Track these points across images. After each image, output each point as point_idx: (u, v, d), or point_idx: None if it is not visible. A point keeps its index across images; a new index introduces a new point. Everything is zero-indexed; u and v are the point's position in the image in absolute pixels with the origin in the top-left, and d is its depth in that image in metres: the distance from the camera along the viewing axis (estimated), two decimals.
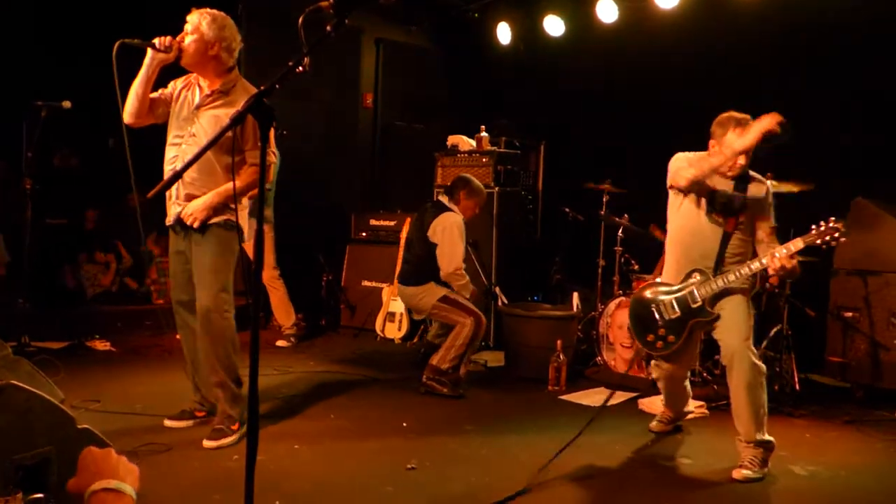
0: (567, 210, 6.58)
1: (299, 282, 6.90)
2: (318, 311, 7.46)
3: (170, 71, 3.95)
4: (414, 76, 8.70)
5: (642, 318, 3.99)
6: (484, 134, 7.03)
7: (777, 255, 3.56)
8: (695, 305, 3.81)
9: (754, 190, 3.83)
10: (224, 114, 3.83)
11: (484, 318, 5.18)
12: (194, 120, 3.90)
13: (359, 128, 8.42)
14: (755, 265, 3.67)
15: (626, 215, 5.97)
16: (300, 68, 2.29)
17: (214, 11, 3.89)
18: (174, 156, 3.93)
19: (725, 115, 3.82)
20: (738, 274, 3.71)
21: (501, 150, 7.00)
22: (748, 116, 3.76)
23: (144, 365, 5.64)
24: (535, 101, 7.84)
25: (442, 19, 8.57)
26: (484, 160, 6.85)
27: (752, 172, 3.87)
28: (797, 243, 3.57)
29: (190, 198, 3.89)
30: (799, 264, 4.81)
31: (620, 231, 5.97)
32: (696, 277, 3.83)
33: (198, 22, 3.83)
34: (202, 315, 3.88)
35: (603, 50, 7.24)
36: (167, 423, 4.13)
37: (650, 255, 6.09)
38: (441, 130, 7.61)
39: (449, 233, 5.19)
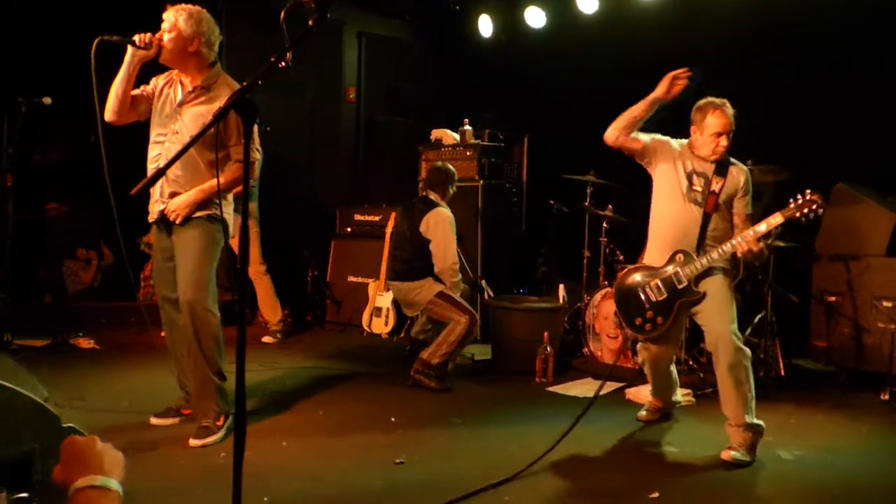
0: (552, 202, 6.59)
1: (285, 277, 6.88)
2: (304, 306, 7.44)
3: (152, 67, 3.92)
4: (396, 70, 8.68)
5: (629, 301, 4.01)
6: (467, 127, 7.02)
7: (741, 240, 3.68)
8: (680, 286, 3.85)
9: (734, 174, 3.92)
10: (206, 110, 3.80)
11: (478, 317, 5.19)
12: (177, 117, 3.88)
13: (342, 122, 8.39)
14: (727, 248, 3.76)
15: (609, 206, 5.99)
16: (282, 64, 2.27)
17: (191, 7, 3.85)
18: (157, 154, 3.91)
19: (703, 100, 3.96)
20: (720, 252, 3.77)
21: (485, 143, 7.00)
22: (725, 101, 3.90)
23: (129, 362, 5.60)
24: (518, 93, 7.84)
25: (423, 12, 8.55)
26: (468, 153, 6.85)
27: (732, 159, 3.96)
28: (776, 217, 3.64)
29: (174, 195, 3.87)
30: (781, 249, 4.89)
31: (605, 222, 5.99)
32: (680, 258, 3.87)
33: (174, 19, 3.79)
34: (185, 309, 3.85)
35: (584, 41, 7.26)
36: (153, 420, 4.11)
37: (635, 246, 6.12)
38: (424, 124, 7.61)
39: (442, 228, 5.19)
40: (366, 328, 6.84)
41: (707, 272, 3.83)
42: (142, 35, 3.72)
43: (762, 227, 3.66)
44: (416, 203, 5.47)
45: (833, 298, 5.25)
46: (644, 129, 4.08)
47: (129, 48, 3.73)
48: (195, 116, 3.83)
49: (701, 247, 3.87)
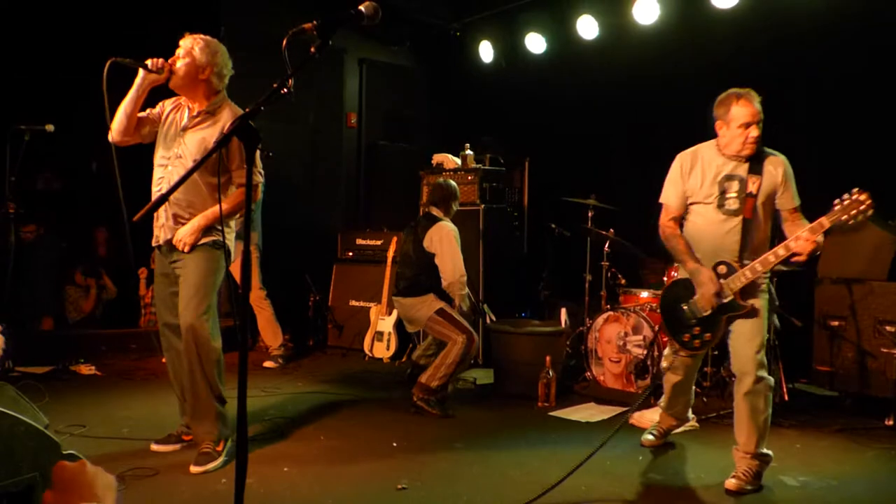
0: (553, 225, 6.60)
1: (286, 302, 6.88)
2: (306, 331, 7.43)
3: (159, 92, 3.96)
4: (397, 95, 8.74)
5: (674, 317, 3.85)
6: (468, 152, 7.06)
7: (802, 238, 3.40)
8: (726, 300, 3.65)
9: (770, 168, 3.68)
10: (210, 134, 3.85)
11: (476, 337, 5.17)
12: (180, 141, 3.91)
13: (343, 148, 8.43)
14: (781, 251, 3.47)
15: (611, 229, 5.99)
16: (284, 90, 2.29)
17: (207, 37, 3.94)
18: (161, 177, 3.94)
19: (724, 93, 3.73)
20: (764, 262, 3.53)
21: (486, 167, 7.02)
22: (749, 89, 3.68)
23: (130, 389, 5.58)
24: (519, 117, 7.88)
25: (424, 38, 8.62)
26: (469, 178, 6.87)
27: (768, 150, 3.72)
28: (822, 223, 3.38)
29: (177, 218, 3.89)
30: (783, 274, 4.82)
31: (607, 245, 5.99)
32: (723, 269, 3.67)
33: (190, 46, 3.86)
34: (187, 334, 3.85)
35: (584, 66, 7.31)
36: (154, 447, 4.09)
37: (637, 269, 6.13)
38: (426, 149, 7.64)
39: (447, 241, 5.20)
40: (367, 353, 6.82)
41: (752, 287, 3.64)
42: (154, 59, 3.77)
43: (807, 233, 3.39)
44: (419, 220, 5.48)
45: (836, 323, 5.23)
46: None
47: (141, 71, 3.78)
48: (199, 141, 3.87)
49: (743, 257, 3.67)
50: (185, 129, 3.92)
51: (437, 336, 5.23)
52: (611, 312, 5.64)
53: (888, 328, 4.94)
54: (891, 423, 4.72)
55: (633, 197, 5.98)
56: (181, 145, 3.90)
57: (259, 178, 4.12)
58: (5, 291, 5.63)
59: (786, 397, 5.15)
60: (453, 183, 5.61)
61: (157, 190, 3.94)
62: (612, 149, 7.05)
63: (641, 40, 6.71)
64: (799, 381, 5.51)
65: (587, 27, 7.08)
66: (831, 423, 4.82)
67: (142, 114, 3.94)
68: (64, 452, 1.63)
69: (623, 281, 6.05)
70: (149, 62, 3.75)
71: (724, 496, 3.61)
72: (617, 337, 5.53)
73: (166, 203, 3.86)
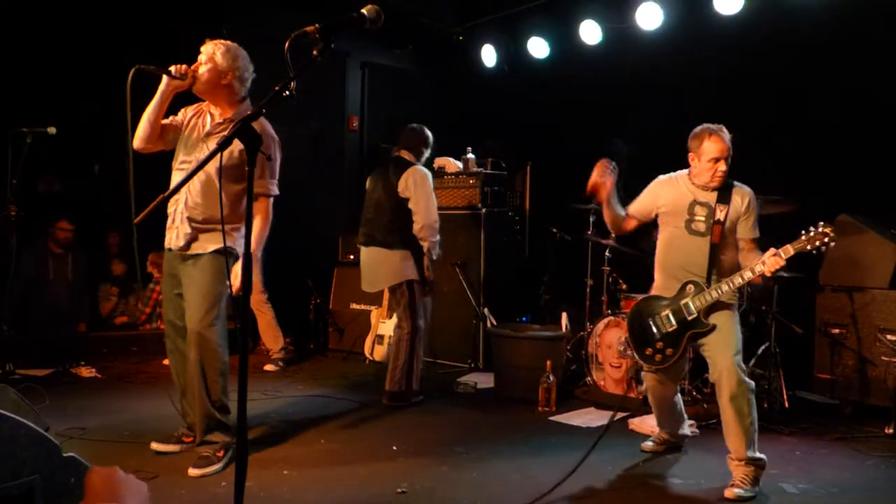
0: (554, 230, 6.60)
1: (287, 305, 6.88)
2: (307, 334, 7.43)
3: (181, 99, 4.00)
4: (399, 99, 8.74)
5: (640, 332, 4.01)
6: (470, 155, 7.06)
7: (767, 261, 3.58)
8: (690, 318, 3.83)
9: (737, 199, 3.90)
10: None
11: (421, 327, 5.25)
12: (202, 146, 3.94)
13: (345, 151, 8.44)
14: (747, 274, 3.69)
15: (612, 235, 5.98)
16: (286, 93, 2.30)
17: (228, 42, 3.97)
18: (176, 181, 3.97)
19: (699, 127, 3.95)
20: (731, 284, 3.74)
21: (488, 171, 7.02)
22: (721, 126, 3.89)
23: (131, 392, 5.58)
24: (521, 122, 7.88)
25: (427, 42, 8.63)
26: (471, 182, 6.88)
27: (735, 182, 3.94)
28: (787, 250, 3.56)
29: (192, 222, 3.91)
30: (785, 280, 4.87)
31: (607, 251, 5.99)
32: (691, 289, 3.86)
33: (212, 52, 3.90)
34: (193, 339, 3.86)
35: (587, 71, 7.31)
36: (154, 445, 4.10)
37: (638, 275, 6.11)
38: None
39: (422, 184, 5.19)
40: (368, 356, 6.82)
41: (715, 304, 3.81)
42: (177, 66, 3.80)
43: (774, 258, 3.56)
44: (389, 165, 5.39)
45: (837, 330, 5.23)
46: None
47: (164, 77, 3.81)
48: None
49: (710, 278, 3.86)
50: (208, 134, 3.96)
51: (392, 304, 5.27)
52: (612, 317, 5.64)
53: (889, 336, 4.94)
54: (891, 431, 4.72)
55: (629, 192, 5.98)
56: (203, 150, 3.91)
57: (275, 191, 4.10)
58: (6, 295, 5.65)
59: (786, 404, 5.14)
60: (428, 131, 5.52)
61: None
62: (614, 154, 7.03)
63: (644, 46, 6.72)
64: (799, 388, 5.51)
65: (590, 32, 7.08)
66: (831, 431, 4.81)
67: (165, 121, 3.97)
68: (64, 455, 1.64)
69: (624, 286, 6.04)
70: (172, 69, 3.78)
71: (724, 503, 3.60)
72: (618, 342, 5.53)
73: (183, 206, 3.90)
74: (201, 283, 3.88)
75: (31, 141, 5.26)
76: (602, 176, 4.07)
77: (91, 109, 6.53)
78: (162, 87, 3.82)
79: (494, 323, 6.30)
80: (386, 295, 6.57)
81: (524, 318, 6.89)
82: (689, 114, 5.87)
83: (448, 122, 8.60)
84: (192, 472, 3.76)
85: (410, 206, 5.17)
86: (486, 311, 6.44)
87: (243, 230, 4.07)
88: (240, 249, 4.07)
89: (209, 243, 3.91)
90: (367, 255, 5.39)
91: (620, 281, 6.07)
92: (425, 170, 5.30)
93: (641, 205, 4.18)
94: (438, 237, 5.28)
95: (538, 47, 7.64)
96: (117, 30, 6.72)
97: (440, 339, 6.96)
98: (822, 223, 3.56)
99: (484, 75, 8.28)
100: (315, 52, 2.31)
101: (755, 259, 3.71)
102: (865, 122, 5.58)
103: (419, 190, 5.17)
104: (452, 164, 7.16)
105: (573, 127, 7.36)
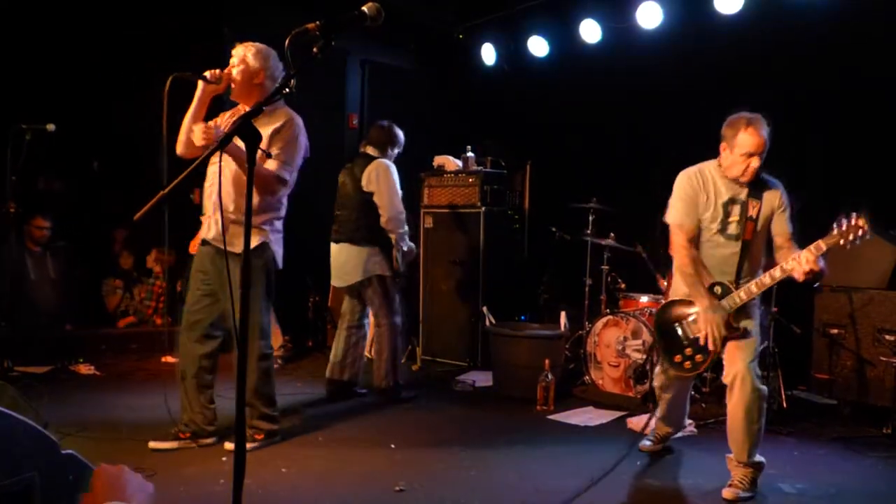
0: (553, 229, 6.60)
1: (286, 303, 6.87)
2: (305, 332, 7.43)
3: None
4: (399, 97, 8.71)
5: (668, 338, 3.84)
6: (470, 154, 7.05)
7: (802, 259, 3.39)
8: None
9: (769, 195, 3.71)
10: (264, 133, 3.95)
11: (399, 321, 5.32)
12: (234, 139, 3.95)
13: (344, 148, 8.41)
14: (777, 273, 3.50)
15: (612, 234, 5.99)
16: (286, 90, 2.30)
17: (259, 44, 4.09)
18: (212, 171, 4.11)
19: (735, 115, 3.69)
20: (759, 284, 3.56)
21: (487, 169, 7.02)
22: (759, 115, 3.66)
23: (129, 389, 5.58)
24: (521, 120, 7.87)
25: (427, 41, 8.62)
26: (470, 180, 6.87)
27: (766, 176, 3.74)
28: (819, 246, 3.38)
29: (224, 213, 4.01)
30: (783, 280, 4.82)
31: (607, 250, 5.99)
32: (718, 291, 3.68)
33: (243, 54, 4.04)
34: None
35: (587, 70, 7.30)
36: (152, 444, 4.11)
37: (637, 274, 6.12)
38: (427, 151, 7.63)
39: (384, 177, 5.21)
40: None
41: (745, 306, 3.66)
42: (212, 71, 3.90)
43: (808, 255, 3.38)
44: (355, 160, 5.46)
45: (835, 331, 5.23)
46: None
47: (200, 83, 3.91)
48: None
49: (739, 279, 3.70)
50: None
51: (367, 300, 5.32)
52: (610, 317, 5.64)
53: (887, 337, 4.94)
54: (889, 431, 4.72)
55: (634, 201, 5.98)
56: (234, 141, 3.94)
57: (281, 173, 4.10)
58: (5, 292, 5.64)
59: (784, 405, 5.15)
60: (398, 130, 5.53)
61: (208, 185, 4.13)
62: (614, 153, 7.04)
63: (644, 45, 6.71)
64: (798, 388, 5.52)
65: (590, 31, 7.08)
66: (829, 431, 4.82)
67: (204, 125, 4.02)
68: (63, 452, 1.63)
69: (623, 285, 6.05)
70: (207, 73, 3.88)
71: (722, 503, 3.61)
72: (616, 341, 5.54)
73: (216, 198, 4.01)
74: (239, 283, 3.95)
75: (30, 138, 5.26)
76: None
77: (90, 107, 6.53)
78: (198, 92, 3.96)
79: (493, 321, 6.30)
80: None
81: (523, 317, 6.89)
82: (689, 112, 5.91)
83: (448, 120, 8.60)
84: (227, 445, 4.08)
85: (375, 199, 5.20)
86: (484, 309, 6.44)
87: (276, 224, 4.22)
88: (276, 247, 4.24)
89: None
90: (337, 251, 5.47)
91: (619, 280, 6.08)
92: (388, 162, 5.33)
93: (690, 214, 3.79)
94: (406, 228, 5.32)
95: (538, 46, 7.63)
96: (117, 29, 6.72)
97: (439, 338, 6.97)
98: (854, 214, 3.31)
99: (484, 74, 8.28)
100: (315, 50, 2.31)
101: (792, 256, 3.48)
102: (865, 121, 5.58)
103: (382, 183, 5.20)
104: (452, 163, 7.15)
105: (573, 126, 7.35)
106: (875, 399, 5.00)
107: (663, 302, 4.05)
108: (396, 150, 5.51)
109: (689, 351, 3.76)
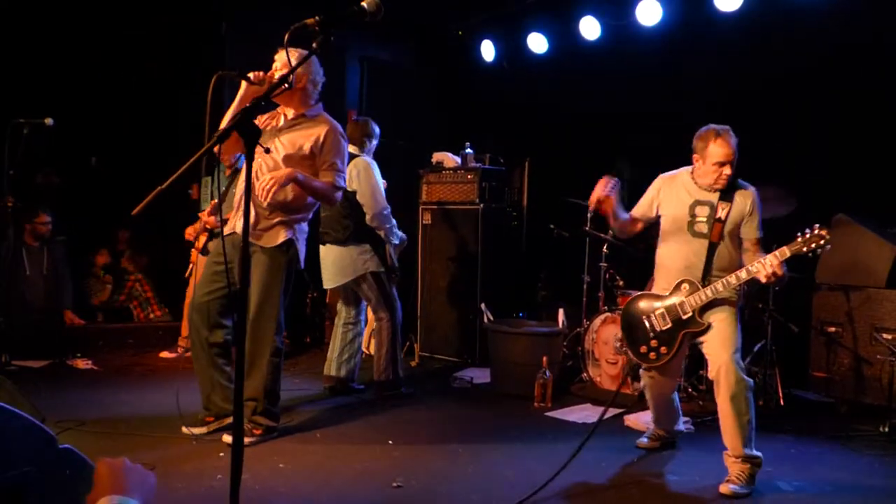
0: (552, 226, 6.60)
1: (284, 299, 6.86)
2: (303, 328, 7.43)
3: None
4: (398, 94, 8.70)
5: (634, 329, 4.01)
6: (468, 151, 7.04)
7: (766, 262, 3.58)
8: (685, 316, 3.83)
9: (740, 199, 3.88)
10: (304, 136, 4.17)
11: (399, 315, 5.33)
12: (274, 140, 4.18)
13: None
14: (743, 274, 3.69)
15: (610, 231, 5.98)
16: (285, 85, 2.30)
17: (301, 49, 4.09)
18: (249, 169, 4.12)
19: (705, 128, 3.89)
20: (725, 283, 3.73)
21: (486, 166, 7.01)
22: (727, 127, 3.84)
23: (127, 384, 5.58)
24: (520, 117, 7.87)
25: (426, 37, 8.61)
26: (469, 177, 6.86)
27: (739, 181, 3.91)
28: (783, 252, 3.57)
29: (257, 207, 4.10)
30: (782, 280, 4.86)
31: (605, 247, 5.99)
32: (685, 288, 3.85)
33: (286, 59, 4.08)
34: (250, 327, 4.08)
35: (586, 67, 7.30)
36: (185, 430, 4.23)
37: (635, 271, 6.12)
38: (425, 147, 7.63)
39: (365, 174, 5.21)
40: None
41: (712, 303, 3.80)
42: (256, 73, 3.96)
43: (772, 259, 3.57)
44: None
45: (833, 329, 5.24)
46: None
47: (243, 83, 3.99)
48: (292, 139, 4.18)
49: (707, 277, 3.84)
50: (280, 129, 4.21)
51: (363, 297, 5.33)
52: (608, 314, 5.65)
53: (885, 335, 4.95)
54: (886, 429, 4.72)
55: (633, 199, 5.98)
56: (274, 143, 4.16)
57: (337, 182, 4.25)
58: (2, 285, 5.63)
59: (782, 403, 5.15)
60: (372, 123, 5.55)
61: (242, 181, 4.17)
62: (613, 150, 7.04)
63: (644, 42, 6.71)
64: (795, 387, 5.52)
65: (590, 28, 7.07)
66: (827, 430, 4.82)
67: None
68: (60, 447, 1.63)
69: (621, 282, 6.05)
70: (251, 75, 3.94)
71: (719, 499, 3.61)
72: (614, 338, 5.54)
73: (240, 194, 4.14)
74: (260, 278, 4.14)
75: (27, 132, 5.24)
76: (605, 191, 4.00)
77: (90, 105, 6.51)
78: (241, 93, 4.05)
79: (491, 318, 6.30)
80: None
81: (521, 314, 6.89)
82: (688, 110, 5.90)
83: (446, 117, 8.60)
84: (225, 438, 4.12)
85: (358, 198, 5.19)
86: (482, 306, 6.44)
87: (303, 225, 4.33)
88: (301, 246, 4.29)
89: (271, 238, 4.14)
90: (325, 252, 5.47)
91: (618, 277, 6.08)
92: (368, 158, 5.33)
93: (643, 205, 4.16)
94: (394, 222, 5.32)
95: (537, 43, 7.62)
96: (117, 29, 6.70)
97: (436, 334, 6.97)
98: (817, 225, 3.55)
99: (483, 70, 8.27)
100: (314, 45, 2.31)
101: (758, 259, 3.69)
102: (865, 121, 5.58)
103: (364, 181, 5.19)
104: (450, 159, 7.14)
105: (572, 123, 7.35)
106: (872, 397, 5.01)
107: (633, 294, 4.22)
108: (374, 142, 5.54)
109: (654, 343, 3.94)
